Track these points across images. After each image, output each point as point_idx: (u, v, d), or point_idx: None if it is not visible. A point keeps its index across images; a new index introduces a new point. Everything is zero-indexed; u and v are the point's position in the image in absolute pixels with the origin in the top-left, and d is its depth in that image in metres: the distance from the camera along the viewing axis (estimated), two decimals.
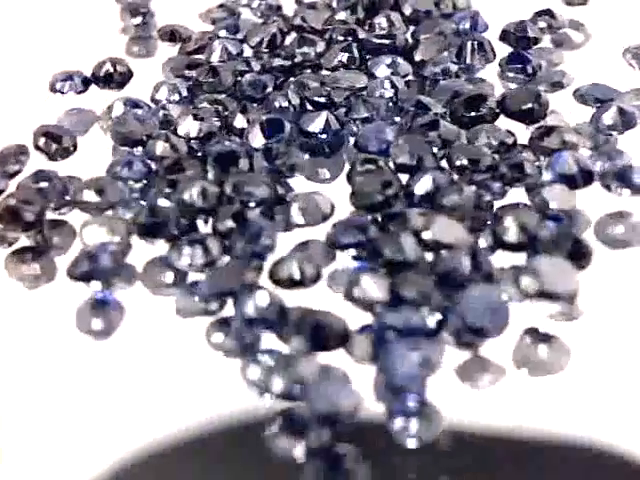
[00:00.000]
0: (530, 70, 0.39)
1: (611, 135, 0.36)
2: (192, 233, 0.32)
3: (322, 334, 0.28)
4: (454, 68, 0.39)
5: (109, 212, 0.33)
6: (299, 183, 0.35)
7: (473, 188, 0.32)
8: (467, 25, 0.41)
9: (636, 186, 0.33)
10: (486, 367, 0.29)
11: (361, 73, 0.38)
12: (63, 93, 0.39)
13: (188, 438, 0.27)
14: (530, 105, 0.36)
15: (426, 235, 0.30)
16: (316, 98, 0.37)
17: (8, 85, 0.40)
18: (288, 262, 0.30)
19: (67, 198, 0.33)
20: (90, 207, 0.33)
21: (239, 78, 0.38)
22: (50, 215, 0.33)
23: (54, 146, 0.35)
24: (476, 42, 0.40)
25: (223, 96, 0.37)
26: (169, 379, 0.29)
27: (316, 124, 0.36)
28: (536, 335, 0.29)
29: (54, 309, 0.31)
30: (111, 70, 0.39)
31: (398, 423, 0.27)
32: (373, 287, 0.29)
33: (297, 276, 0.30)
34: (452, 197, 0.32)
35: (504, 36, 0.41)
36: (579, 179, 0.33)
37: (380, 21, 0.41)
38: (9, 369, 0.29)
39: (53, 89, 0.39)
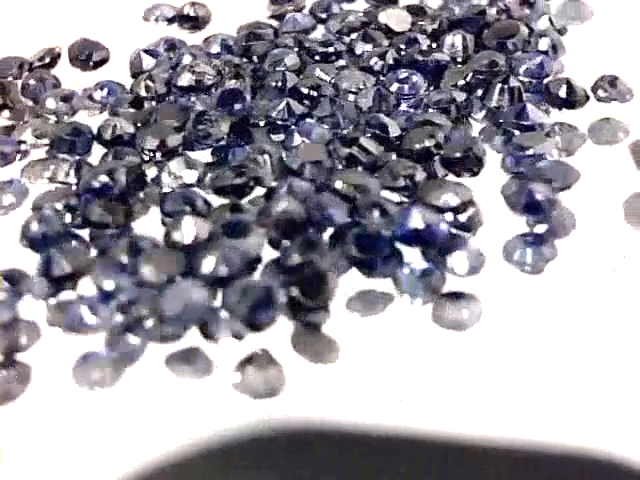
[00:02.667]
0: (536, 128, 0.36)
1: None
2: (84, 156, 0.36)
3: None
4: (460, 98, 0.37)
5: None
6: None
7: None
8: (522, 67, 0.38)
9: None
10: (190, 359, 0.29)
11: (369, 77, 0.38)
12: (157, 22, 0.44)
13: None
14: (461, 154, 0.34)
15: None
16: (303, 88, 0.38)
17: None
18: (91, 205, 0.33)
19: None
20: (46, 112, 0.38)
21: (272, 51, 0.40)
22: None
23: (78, 57, 0.41)
24: (506, 86, 0.37)
25: (243, 61, 0.40)
26: None
27: (277, 110, 0.37)
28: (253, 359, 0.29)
29: None
30: (191, 13, 0.44)
31: None
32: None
33: (98, 218, 0.33)
34: (275, 206, 0.32)
35: (544, 89, 0.38)
36: (421, 238, 0.31)
37: (454, 39, 0.40)
38: None
39: (146, 19, 0.44)
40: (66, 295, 0.31)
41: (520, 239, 0.32)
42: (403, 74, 0.38)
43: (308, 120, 0.36)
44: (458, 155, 0.34)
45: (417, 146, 0.34)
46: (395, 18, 0.42)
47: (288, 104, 0.37)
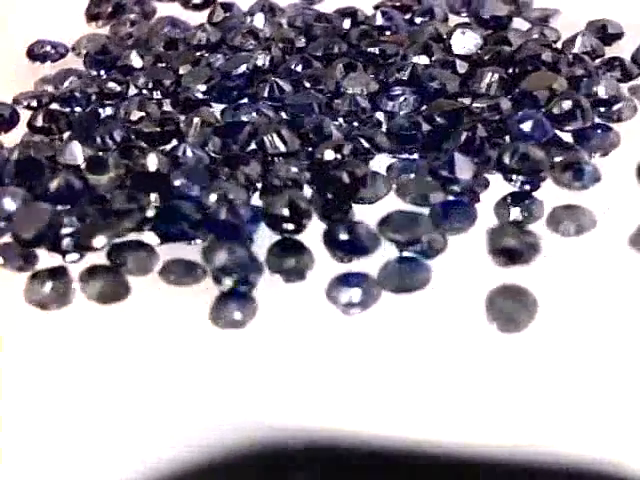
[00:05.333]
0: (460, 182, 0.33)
1: None
2: None
3: None
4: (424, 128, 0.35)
5: None
6: None
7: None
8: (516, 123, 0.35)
9: None
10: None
11: (374, 83, 0.38)
12: None
13: None
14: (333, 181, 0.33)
15: None
16: (305, 80, 0.38)
17: None
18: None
19: None
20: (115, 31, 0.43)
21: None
22: None
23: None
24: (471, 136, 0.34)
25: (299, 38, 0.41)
26: None
27: (264, 90, 0.38)
28: None
29: None
30: None
31: None
32: None
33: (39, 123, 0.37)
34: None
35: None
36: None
37: (492, 77, 0.37)
38: None
39: None
40: None
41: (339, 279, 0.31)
42: (396, 91, 0.37)
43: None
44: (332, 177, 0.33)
45: (317, 155, 0.34)
46: (467, 40, 0.40)
47: (277, 83, 0.37)
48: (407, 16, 0.43)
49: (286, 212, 0.32)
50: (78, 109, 0.38)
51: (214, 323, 0.31)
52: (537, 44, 0.38)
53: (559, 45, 0.40)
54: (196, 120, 0.36)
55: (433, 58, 0.39)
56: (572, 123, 0.35)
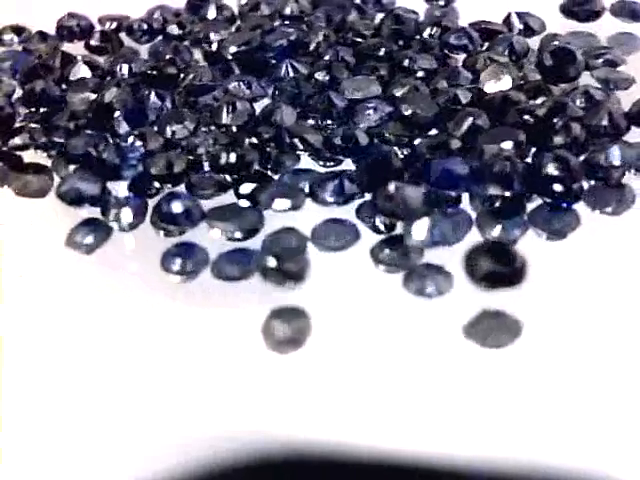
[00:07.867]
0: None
1: None
2: None
3: None
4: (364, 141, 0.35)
5: None
6: None
7: None
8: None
9: None
10: None
11: (376, 86, 0.37)
12: None
13: None
14: None
15: None
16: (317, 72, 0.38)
17: None
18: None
19: None
20: None
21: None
22: None
23: None
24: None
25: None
26: None
27: (281, 71, 0.39)
28: None
29: None
30: None
31: None
32: None
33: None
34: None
35: None
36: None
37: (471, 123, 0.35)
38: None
39: None
40: None
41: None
42: (372, 104, 0.36)
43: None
44: None
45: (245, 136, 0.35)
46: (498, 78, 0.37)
47: (292, 64, 0.38)
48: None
49: (156, 171, 0.33)
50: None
51: (66, 244, 0.33)
52: (550, 102, 0.35)
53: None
54: (191, 75, 0.38)
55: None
56: (502, 188, 0.32)
